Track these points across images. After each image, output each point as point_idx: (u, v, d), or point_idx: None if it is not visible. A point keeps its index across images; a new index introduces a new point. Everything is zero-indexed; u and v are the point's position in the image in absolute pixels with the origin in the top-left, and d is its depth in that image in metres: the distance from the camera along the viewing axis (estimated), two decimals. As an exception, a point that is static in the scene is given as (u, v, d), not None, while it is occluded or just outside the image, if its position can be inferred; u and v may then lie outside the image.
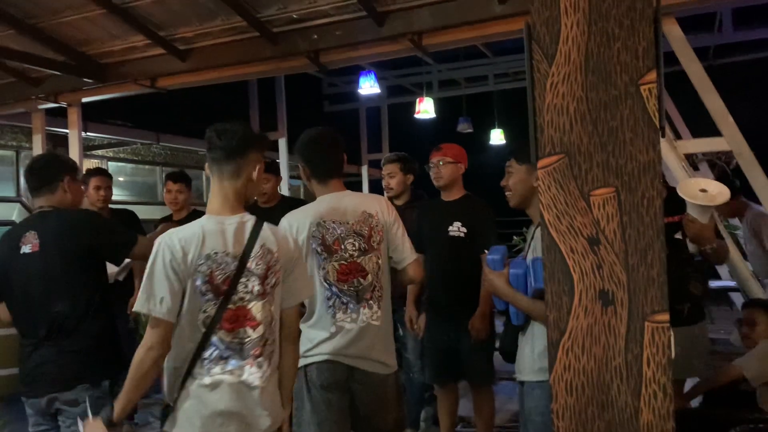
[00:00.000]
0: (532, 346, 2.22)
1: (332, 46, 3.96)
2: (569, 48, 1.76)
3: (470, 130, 9.29)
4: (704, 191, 2.63)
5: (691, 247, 2.84)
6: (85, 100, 4.90)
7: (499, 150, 10.30)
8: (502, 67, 8.47)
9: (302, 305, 2.48)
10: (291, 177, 7.93)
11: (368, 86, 6.96)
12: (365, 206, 2.54)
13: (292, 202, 4.07)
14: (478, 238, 3.37)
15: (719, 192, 2.62)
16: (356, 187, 8.73)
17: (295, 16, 3.86)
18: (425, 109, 7.76)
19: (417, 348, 3.72)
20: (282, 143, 6.94)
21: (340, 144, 2.59)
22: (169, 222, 4.23)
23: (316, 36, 3.92)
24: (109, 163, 8.40)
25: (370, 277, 2.46)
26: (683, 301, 2.86)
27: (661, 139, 1.74)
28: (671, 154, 3.43)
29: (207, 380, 1.91)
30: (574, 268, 1.75)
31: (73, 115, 5.01)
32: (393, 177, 3.81)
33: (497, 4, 3.45)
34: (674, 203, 2.73)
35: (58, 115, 5.49)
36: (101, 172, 4.28)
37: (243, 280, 1.93)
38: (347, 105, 9.48)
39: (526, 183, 2.27)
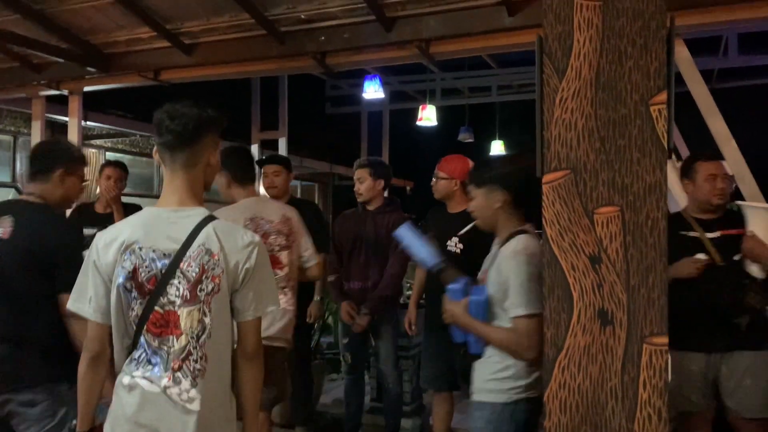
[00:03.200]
0: (485, 367, 2.17)
1: (339, 49, 3.94)
2: (581, 64, 1.76)
3: (471, 140, 9.28)
4: None
5: (756, 270, 2.72)
6: (87, 89, 4.86)
7: (498, 161, 10.29)
8: (506, 79, 8.47)
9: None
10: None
11: (372, 90, 6.94)
12: (284, 210, 3.06)
13: (299, 203, 4.06)
14: (474, 255, 3.37)
15: None
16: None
17: (303, 16, 3.84)
18: (428, 116, 7.75)
19: (391, 357, 3.70)
20: (282, 142, 6.91)
21: (252, 157, 3.20)
22: None
23: (323, 37, 3.90)
24: (107, 153, 8.35)
25: (287, 269, 2.94)
26: (741, 313, 2.72)
27: (666, 160, 1.73)
28: (673, 175, 3.42)
29: (126, 380, 1.75)
30: (574, 286, 1.74)
31: (74, 104, 4.97)
32: (362, 182, 3.77)
33: (506, 16, 3.44)
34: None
35: (58, 102, 5.45)
36: (116, 164, 4.30)
37: (174, 281, 1.72)
38: (349, 108, 9.47)
39: (487, 206, 2.23)
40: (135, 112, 7.75)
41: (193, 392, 1.71)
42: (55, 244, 2.40)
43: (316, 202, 12.95)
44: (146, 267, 1.72)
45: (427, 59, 3.95)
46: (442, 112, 8.51)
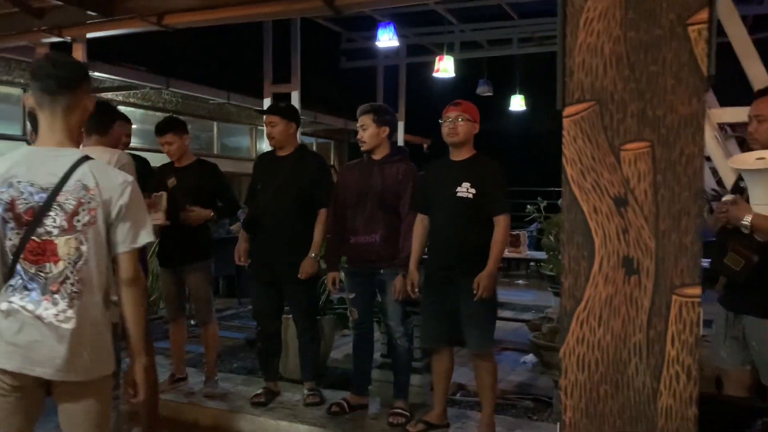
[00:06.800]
0: None
1: (348, -11, 3.72)
2: (609, -21, 1.54)
3: (489, 94, 9.01)
4: (762, 159, 2.34)
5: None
6: (90, 35, 4.71)
7: (519, 116, 10.02)
8: (527, 31, 8.15)
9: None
10: (302, 134, 7.72)
11: (386, 39, 6.69)
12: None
13: (304, 154, 3.88)
14: (488, 200, 3.21)
15: None
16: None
17: (311, -47, 3.63)
18: (444, 68, 7.49)
19: (398, 313, 3.55)
20: (295, 96, 6.71)
21: None
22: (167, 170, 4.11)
23: (331, -24, 3.69)
24: (119, 107, 8.21)
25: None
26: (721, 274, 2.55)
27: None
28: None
29: (4, 306, 1.91)
30: (596, 231, 1.55)
31: (78, 51, 4.82)
32: (365, 129, 3.53)
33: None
34: None
35: (66, 52, 5.29)
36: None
37: (51, 214, 1.91)
38: (365, 62, 9.19)
39: None
40: (145, 64, 7.57)
41: (70, 312, 1.90)
42: None
43: (332, 159, 12.78)
44: (24, 199, 1.89)
45: (441, 2, 3.71)
46: (460, 66, 8.24)
